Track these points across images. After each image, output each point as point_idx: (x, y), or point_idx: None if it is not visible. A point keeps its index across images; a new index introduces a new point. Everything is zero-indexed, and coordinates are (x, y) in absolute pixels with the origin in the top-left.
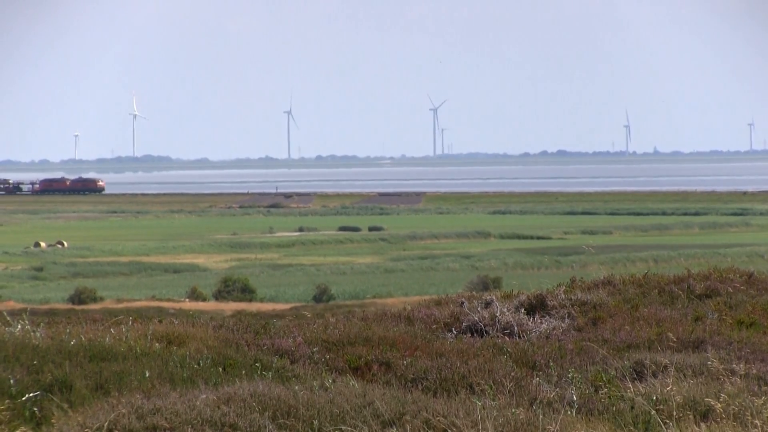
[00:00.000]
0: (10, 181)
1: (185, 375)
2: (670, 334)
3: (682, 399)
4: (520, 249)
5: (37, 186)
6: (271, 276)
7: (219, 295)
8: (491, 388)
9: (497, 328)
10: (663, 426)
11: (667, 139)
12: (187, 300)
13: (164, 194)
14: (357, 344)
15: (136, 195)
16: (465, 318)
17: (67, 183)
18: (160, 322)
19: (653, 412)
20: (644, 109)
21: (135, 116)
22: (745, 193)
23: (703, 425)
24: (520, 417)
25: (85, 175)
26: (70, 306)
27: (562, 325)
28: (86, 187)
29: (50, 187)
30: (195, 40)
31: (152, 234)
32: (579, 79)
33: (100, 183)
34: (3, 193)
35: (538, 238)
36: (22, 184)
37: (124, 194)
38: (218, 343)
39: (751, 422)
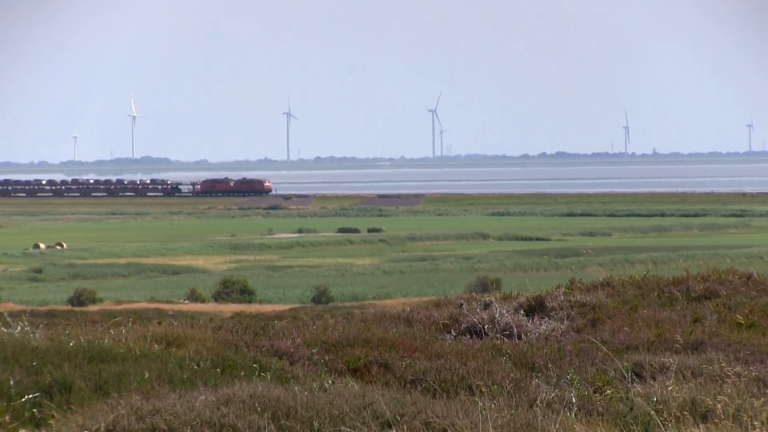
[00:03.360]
0: (169, 182)
1: (184, 376)
2: (678, 336)
3: (681, 400)
4: (519, 250)
5: (198, 187)
6: (270, 277)
7: (218, 297)
8: (490, 389)
9: (496, 330)
10: (662, 427)
11: (666, 141)
12: (186, 301)
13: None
14: (356, 345)
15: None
16: (464, 319)
17: (231, 184)
18: (160, 323)
19: (652, 413)
20: (643, 111)
21: (134, 118)
22: (744, 194)
23: (702, 426)
24: (520, 418)
25: (249, 176)
26: (69, 307)
27: (561, 326)
28: (252, 188)
29: (212, 188)
30: (194, 41)
31: (151, 235)
32: (578, 81)
33: (267, 184)
34: (161, 194)
35: (537, 239)
36: (181, 184)
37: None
38: (217, 344)
39: (751, 423)
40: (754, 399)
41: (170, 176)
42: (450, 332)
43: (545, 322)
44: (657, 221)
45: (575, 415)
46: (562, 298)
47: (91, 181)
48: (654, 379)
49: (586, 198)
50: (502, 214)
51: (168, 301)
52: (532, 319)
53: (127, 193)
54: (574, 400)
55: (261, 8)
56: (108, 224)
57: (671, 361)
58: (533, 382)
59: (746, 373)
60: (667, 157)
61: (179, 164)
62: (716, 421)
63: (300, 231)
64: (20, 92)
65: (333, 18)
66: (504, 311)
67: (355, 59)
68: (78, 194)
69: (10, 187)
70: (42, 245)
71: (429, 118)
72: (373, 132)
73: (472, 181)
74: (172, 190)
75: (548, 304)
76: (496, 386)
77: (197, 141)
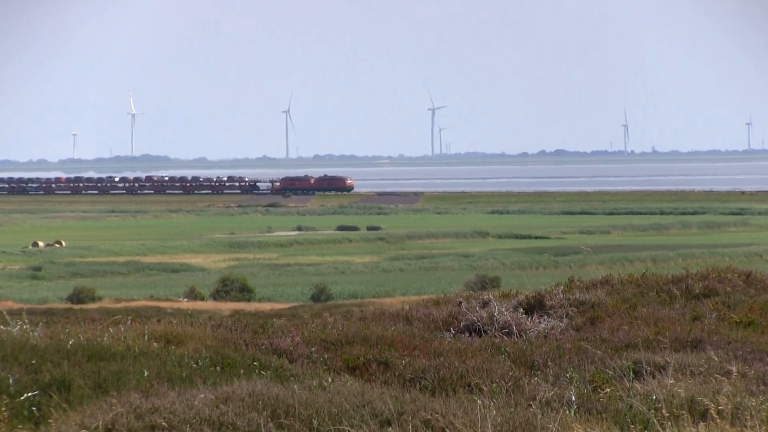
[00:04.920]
0: (246, 179)
1: (183, 374)
2: (677, 335)
3: (680, 399)
4: (518, 249)
5: (278, 185)
6: (269, 275)
7: (217, 295)
8: (490, 387)
9: (495, 328)
10: (661, 426)
11: (665, 139)
12: (185, 299)
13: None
14: (355, 344)
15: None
16: (463, 317)
17: (311, 181)
18: (159, 321)
19: (651, 411)
20: (642, 109)
21: (133, 115)
22: (743, 192)
23: (701, 425)
24: (519, 416)
25: (330, 173)
26: (68, 305)
27: (561, 324)
28: (333, 186)
29: (292, 186)
30: (193, 39)
31: (150, 234)
32: (577, 79)
33: (349, 181)
34: (238, 191)
35: (536, 237)
36: (260, 182)
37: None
38: (216, 342)
39: (750, 422)
40: (753, 398)
41: (169, 173)
42: (449, 330)
43: (544, 320)
44: (656, 219)
45: (574, 414)
46: (561, 296)
47: (166, 179)
48: (653, 377)
49: (586, 196)
50: (501, 213)
51: (167, 300)
52: (531, 318)
53: (202, 191)
54: (573, 398)
55: (260, 6)
56: (107, 222)
57: (670, 359)
58: (532, 381)
59: (745, 371)
60: (666, 155)
61: (178, 162)
62: (715, 419)
63: (299, 229)
64: (19, 90)
65: (332, 16)
66: (503, 309)
67: (354, 57)
68: (152, 191)
69: (81, 184)
70: (41, 243)
71: (428, 117)
72: (372, 130)
73: (471, 180)
74: (250, 188)
75: (547, 303)
76: (495, 384)
77: (196, 139)
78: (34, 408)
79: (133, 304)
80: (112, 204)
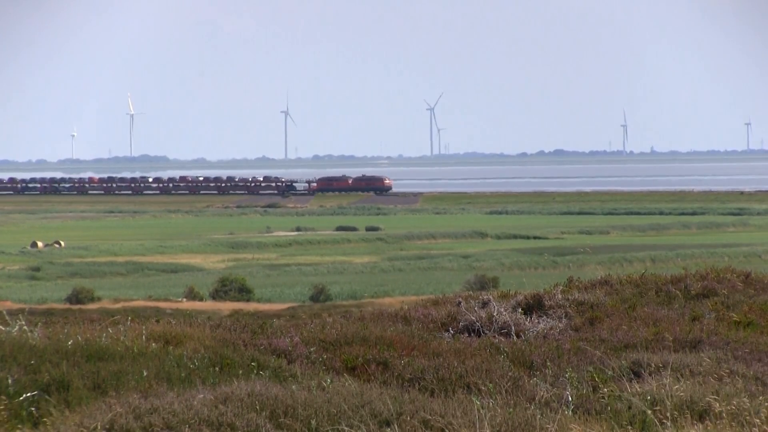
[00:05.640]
0: (282, 179)
1: (182, 375)
2: (676, 335)
3: (679, 399)
4: (517, 249)
5: (314, 185)
6: (268, 276)
7: (216, 295)
8: (488, 387)
9: (494, 328)
10: (660, 426)
11: (664, 139)
12: (184, 300)
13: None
14: (354, 344)
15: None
16: (462, 318)
17: (349, 181)
18: (158, 321)
19: (650, 412)
20: (641, 109)
21: (132, 116)
22: (742, 192)
23: (700, 425)
24: (517, 417)
25: (368, 173)
26: (67, 306)
27: (560, 325)
28: (371, 186)
29: (329, 186)
30: (192, 40)
31: (149, 234)
32: (576, 79)
33: (387, 181)
34: (275, 192)
35: (535, 238)
36: (296, 182)
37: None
38: (215, 342)
39: (749, 422)
40: (752, 398)
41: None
42: (448, 331)
43: (543, 320)
44: (655, 220)
45: (573, 414)
46: (560, 296)
47: (201, 179)
48: (652, 377)
49: (585, 196)
50: (500, 213)
51: (166, 300)
52: (530, 318)
53: (237, 191)
54: (571, 398)
55: (259, 6)
56: (106, 222)
57: (669, 359)
58: (531, 381)
59: (744, 371)
60: (665, 155)
61: (177, 163)
62: (714, 419)
63: (298, 229)
64: (18, 90)
65: (331, 16)
66: (502, 310)
67: (353, 58)
68: (186, 192)
69: (114, 185)
70: (40, 243)
71: (427, 117)
72: (371, 130)
73: (470, 180)
74: (286, 189)
75: (546, 303)
76: (493, 385)
77: (195, 139)
78: (33, 408)
79: (132, 304)
80: (112, 204)
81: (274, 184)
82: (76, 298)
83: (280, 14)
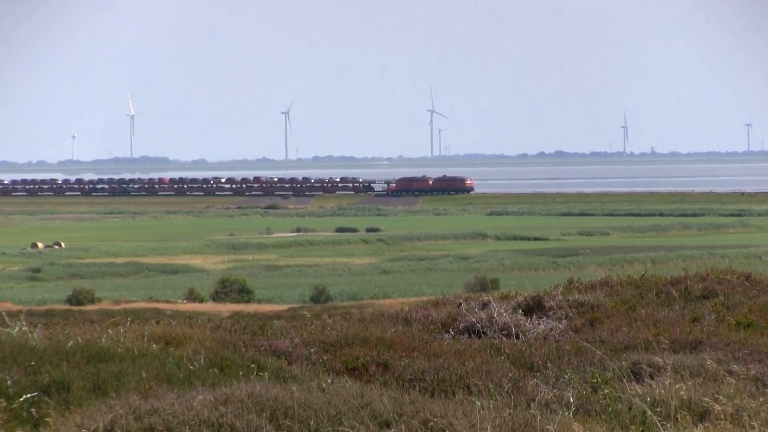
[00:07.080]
0: (360, 180)
1: (182, 376)
2: (676, 336)
3: (679, 400)
4: (517, 250)
5: (393, 185)
6: (268, 277)
7: (216, 296)
8: (489, 388)
9: (495, 329)
10: (660, 427)
11: (664, 140)
12: (184, 301)
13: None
14: (354, 345)
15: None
16: (462, 319)
17: (430, 182)
18: (158, 323)
19: (650, 413)
20: (642, 110)
21: (132, 117)
22: (743, 193)
23: (700, 426)
24: (518, 418)
25: (448, 173)
26: (67, 307)
27: (560, 326)
28: (453, 187)
29: (409, 187)
30: (192, 40)
31: (149, 235)
32: (576, 80)
33: (469, 182)
34: (351, 192)
35: (536, 239)
36: (374, 182)
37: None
38: (215, 344)
39: (749, 423)
40: (752, 399)
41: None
42: (448, 332)
43: (543, 321)
44: (655, 221)
45: (573, 415)
46: (561, 297)
47: (275, 180)
48: (652, 378)
49: (585, 197)
50: (501, 214)
51: (166, 301)
52: (531, 319)
53: (313, 192)
54: (572, 399)
55: (259, 7)
56: (106, 224)
57: (669, 360)
58: (531, 382)
59: (745, 372)
60: (665, 156)
61: (177, 163)
62: (714, 421)
63: (298, 230)
64: (18, 91)
65: (331, 17)
66: (502, 311)
67: (353, 58)
68: (261, 193)
69: (185, 185)
70: (40, 245)
71: (427, 118)
72: (371, 131)
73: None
74: (364, 189)
75: (546, 304)
76: (494, 386)
77: (195, 140)
78: (33, 409)
79: (133, 305)
80: (112, 205)
81: (351, 185)
82: (77, 299)
83: (280, 14)
